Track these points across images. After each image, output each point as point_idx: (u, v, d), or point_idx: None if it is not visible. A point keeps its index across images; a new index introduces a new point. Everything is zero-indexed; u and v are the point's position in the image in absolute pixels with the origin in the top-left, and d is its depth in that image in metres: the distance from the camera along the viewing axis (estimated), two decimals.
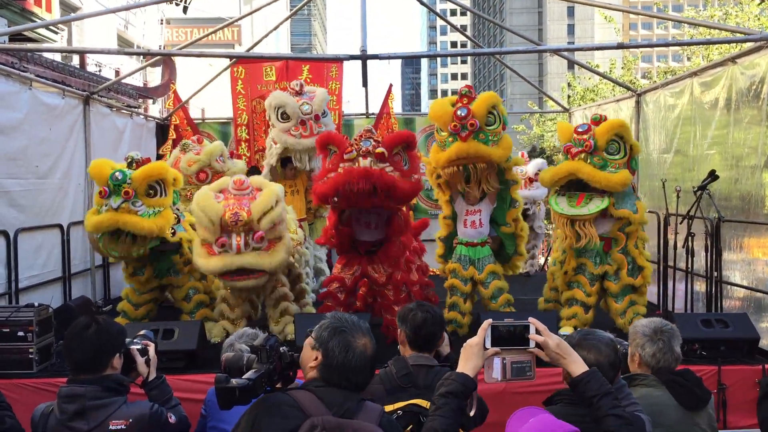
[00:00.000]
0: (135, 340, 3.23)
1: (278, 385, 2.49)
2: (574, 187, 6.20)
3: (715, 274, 6.64)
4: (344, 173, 5.76)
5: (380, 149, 5.80)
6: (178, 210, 6.82)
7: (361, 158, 5.81)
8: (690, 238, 6.66)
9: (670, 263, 7.54)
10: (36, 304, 5.62)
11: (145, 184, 6.03)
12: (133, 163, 6.16)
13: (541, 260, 11.63)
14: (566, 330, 6.02)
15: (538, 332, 2.44)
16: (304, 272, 7.22)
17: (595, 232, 6.12)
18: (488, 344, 2.38)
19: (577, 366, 2.46)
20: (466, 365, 2.42)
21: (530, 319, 2.44)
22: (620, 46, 7.10)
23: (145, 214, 5.98)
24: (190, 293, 6.66)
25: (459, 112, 6.03)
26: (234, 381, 2.40)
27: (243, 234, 5.72)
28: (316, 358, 2.44)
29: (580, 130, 6.16)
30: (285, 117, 7.89)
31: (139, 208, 5.98)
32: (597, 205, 6.07)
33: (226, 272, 5.85)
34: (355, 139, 5.99)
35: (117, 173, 5.93)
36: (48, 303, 5.85)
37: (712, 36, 15.33)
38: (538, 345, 2.41)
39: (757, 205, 6.50)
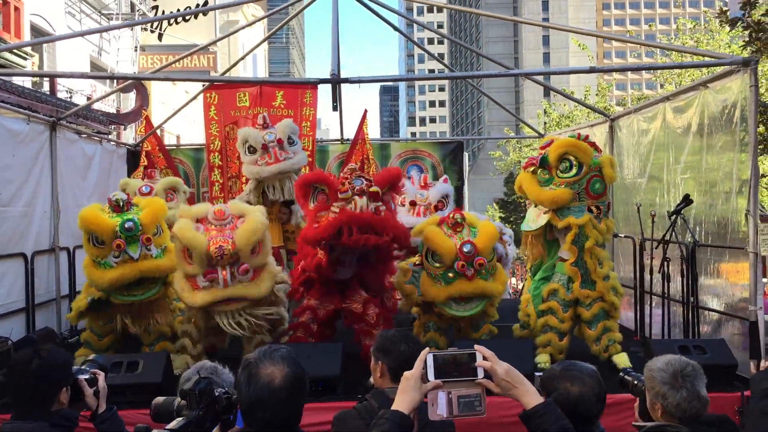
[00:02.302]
0: (83, 368, 3.03)
1: (216, 430, 2.31)
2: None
3: (692, 299, 6.58)
4: (345, 216, 5.56)
5: (375, 188, 5.67)
6: None
7: (356, 197, 5.65)
8: (665, 263, 6.61)
9: (647, 288, 7.48)
10: None
11: (155, 227, 5.84)
12: (123, 205, 5.83)
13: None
14: (542, 357, 5.89)
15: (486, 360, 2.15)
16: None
17: (539, 249, 6.33)
18: (431, 376, 2.08)
19: (531, 397, 2.15)
20: (401, 401, 2.13)
21: (476, 346, 2.16)
22: (593, 70, 7.15)
23: (158, 256, 5.81)
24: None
25: (465, 249, 5.78)
26: None
27: (228, 267, 5.57)
28: None
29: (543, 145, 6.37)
30: (252, 150, 8.07)
31: (153, 250, 5.79)
32: (539, 223, 6.16)
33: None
34: (346, 178, 5.79)
35: (127, 223, 5.64)
36: (7, 335, 5.64)
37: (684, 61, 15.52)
38: (486, 375, 2.10)
39: (733, 230, 6.45)
